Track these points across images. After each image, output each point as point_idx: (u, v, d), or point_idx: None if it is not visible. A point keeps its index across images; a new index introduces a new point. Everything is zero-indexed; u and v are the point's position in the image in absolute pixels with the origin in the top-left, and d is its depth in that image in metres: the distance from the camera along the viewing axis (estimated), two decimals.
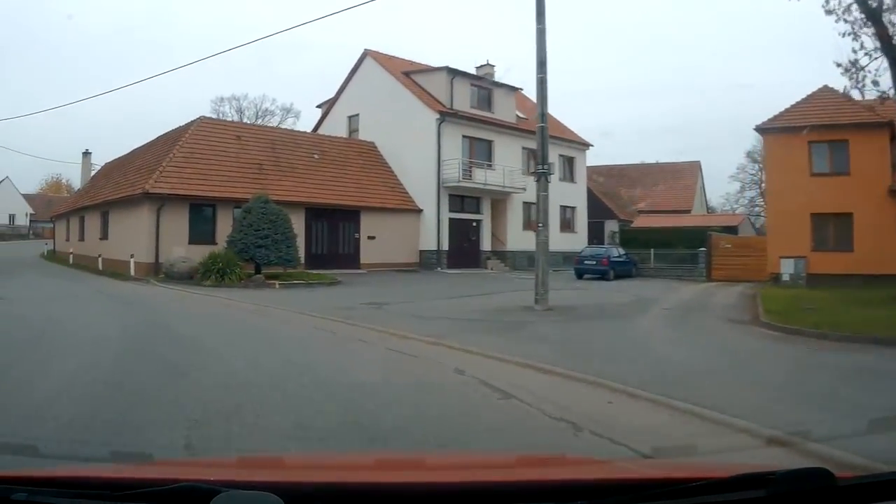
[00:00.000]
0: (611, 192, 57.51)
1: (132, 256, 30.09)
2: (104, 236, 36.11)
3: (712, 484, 2.04)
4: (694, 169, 64.24)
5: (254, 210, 28.00)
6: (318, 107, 49.84)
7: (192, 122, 35.73)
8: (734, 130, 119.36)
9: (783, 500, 1.96)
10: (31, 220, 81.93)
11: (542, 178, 20.81)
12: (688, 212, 56.83)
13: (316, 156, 38.58)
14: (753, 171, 79.58)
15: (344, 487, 2.22)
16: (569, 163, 47.24)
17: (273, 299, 21.86)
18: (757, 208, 76.06)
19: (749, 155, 78.56)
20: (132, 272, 29.59)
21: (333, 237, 36.85)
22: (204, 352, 11.70)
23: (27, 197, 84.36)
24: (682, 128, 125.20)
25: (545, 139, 20.88)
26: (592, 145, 50.55)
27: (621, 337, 15.36)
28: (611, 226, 53.63)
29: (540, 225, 20.69)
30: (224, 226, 30.54)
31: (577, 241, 44.94)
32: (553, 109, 50.33)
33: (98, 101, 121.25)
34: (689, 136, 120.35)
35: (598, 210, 52.58)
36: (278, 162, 36.27)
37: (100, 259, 34.32)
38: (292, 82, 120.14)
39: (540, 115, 20.74)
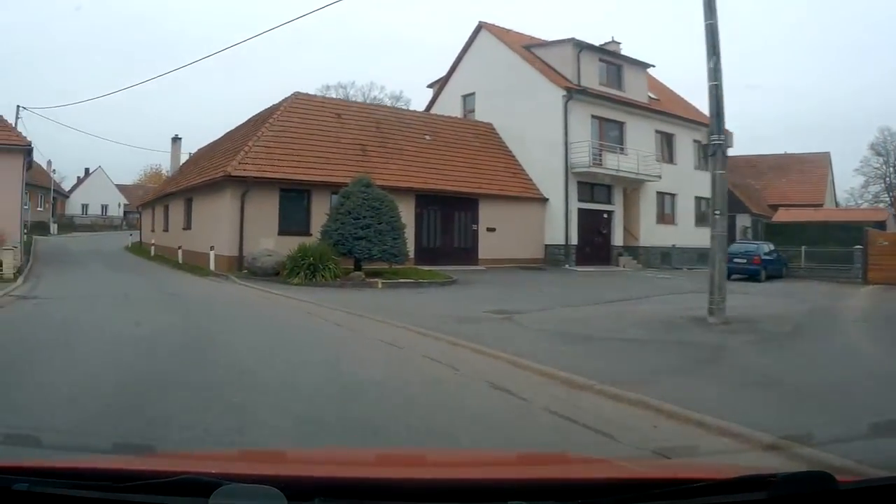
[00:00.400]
0: (741, 184, 51.76)
1: (212, 248, 26.34)
2: (187, 226, 32.63)
3: (713, 485, 2.05)
4: (824, 160, 59.12)
5: (353, 195, 23.78)
6: (430, 87, 46.09)
7: (286, 98, 31.86)
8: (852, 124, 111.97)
9: (785, 502, 1.97)
10: (125, 211, 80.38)
11: (718, 152, 16.06)
12: (820, 205, 52.25)
13: (427, 137, 34.31)
14: (877, 165, 76.30)
15: (345, 482, 2.21)
16: (704, 150, 41.31)
17: (372, 304, 17.53)
18: (881, 203, 72.23)
19: (873, 147, 75.38)
20: (211, 266, 25.86)
21: (447, 228, 32.36)
22: (232, 411, 7.03)
23: (121, 187, 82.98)
24: (797, 119, 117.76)
25: (720, 101, 16.08)
26: (731, 133, 44.09)
27: (872, 372, 9.97)
28: (742, 220, 48.81)
29: (716, 213, 15.88)
30: (320, 214, 26.37)
31: None
32: (679, 91, 45.37)
33: (199, 95, 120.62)
34: (805, 127, 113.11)
35: (729, 203, 46.15)
36: (385, 143, 32.05)
37: (180, 251, 30.85)
38: (402, 70, 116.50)
39: (711, 70, 15.90)
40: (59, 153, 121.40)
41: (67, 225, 67.60)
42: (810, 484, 1.99)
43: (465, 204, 32.82)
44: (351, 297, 19.59)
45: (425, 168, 31.98)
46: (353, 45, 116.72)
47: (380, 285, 22.34)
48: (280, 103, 31.39)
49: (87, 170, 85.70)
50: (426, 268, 26.99)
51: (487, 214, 33.34)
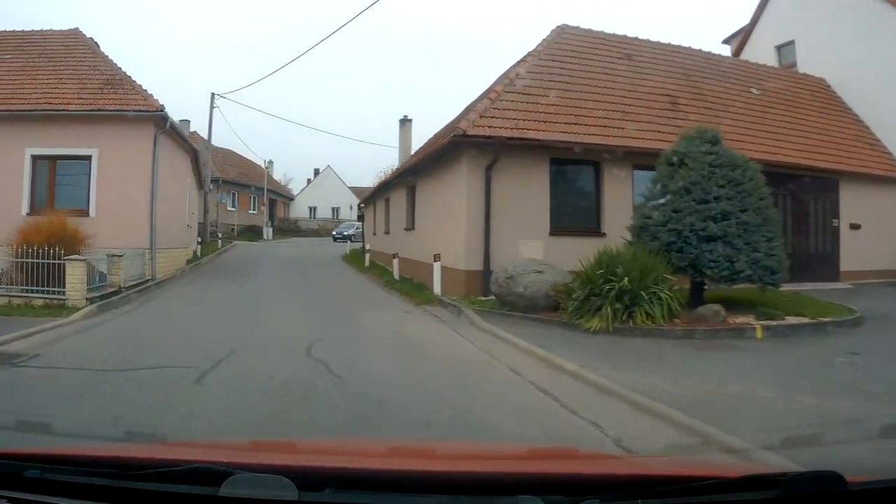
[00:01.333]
0: None
1: (436, 259, 15.91)
2: (410, 225, 22.39)
3: (723, 483, 1.99)
4: None
5: (692, 159, 12.53)
6: (726, 42, 34.46)
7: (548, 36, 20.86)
8: None
9: (794, 501, 1.91)
10: (358, 214, 72.74)
11: None
12: None
13: (754, 90, 22.40)
14: None
15: (356, 473, 2.12)
16: None
17: (810, 412, 6.76)
18: None
19: None
20: (435, 288, 15.54)
21: (800, 224, 20.07)
22: None
23: (357, 189, 73.16)
24: None
25: None
26: None
27: None
28: None
29: None
30: (615, 201, 15.67)
31: None
32: None
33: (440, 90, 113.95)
34: None
35: None
36: (701, 96, 20.41)
37: (395, 262, 20.85)
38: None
39: None
40: (290, 156, 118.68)
41: (291, 229, 60.65)
42: (820, 483, 1.88)
43: (820, 187, 20.46)
44: (726, 370, 8.70)
45: (762, 132, 19.81)
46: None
47: (759, 333, 10.98)
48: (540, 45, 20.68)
49: (316, 170, 78.92)
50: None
51: (849, 203, 20.83)
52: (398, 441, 5.01)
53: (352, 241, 44.96)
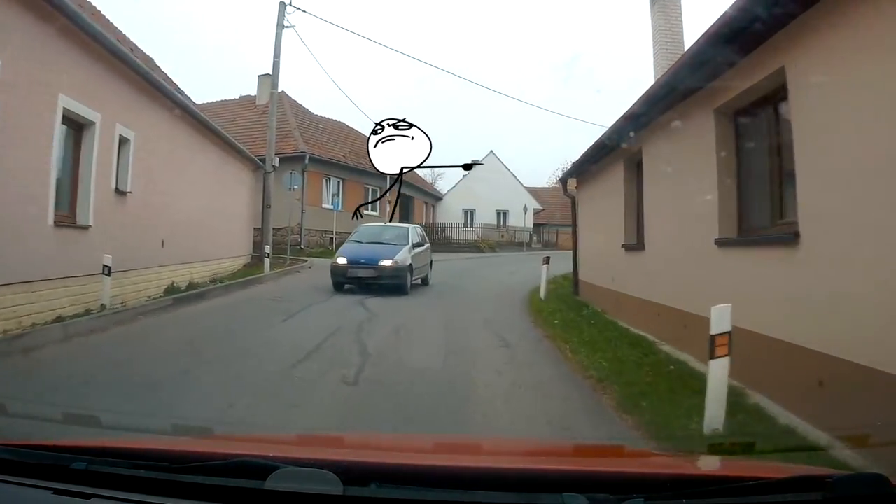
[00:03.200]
0: None
1: None
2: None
3: (767, 484, 1.92)
4: None
5: None
6: None
7: None
8: None
9: (839, 503, 1.83)
10: (535, 222, 51.09)
11: None
12: None
13: None
14: None
15: (401, 468, 2.05)
16: None
17: None
18: None
19: None
20: None
21: None
22: None
23: (534, 191, 53.06)
24: None
25: None
26: None
27: None
28: None
29: None
30: None
31: None
32: None
33: None
34: None
35: None
36: None
37: None
38: None
39: None
40: (440, 150, 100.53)
41: (436, 240, 38.24)
42: (865, 486, 1.81)
43: None
44: None
45: None
46: None
47: None
48: None
49: (472, 163, 56.77)
50: None
51: None
52: (443, 436, 5.00)
53: (410, 279, 17.91)
